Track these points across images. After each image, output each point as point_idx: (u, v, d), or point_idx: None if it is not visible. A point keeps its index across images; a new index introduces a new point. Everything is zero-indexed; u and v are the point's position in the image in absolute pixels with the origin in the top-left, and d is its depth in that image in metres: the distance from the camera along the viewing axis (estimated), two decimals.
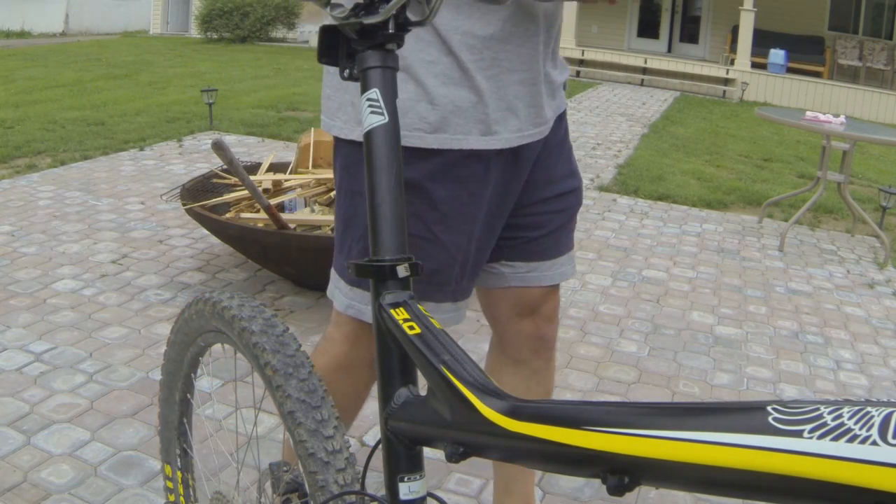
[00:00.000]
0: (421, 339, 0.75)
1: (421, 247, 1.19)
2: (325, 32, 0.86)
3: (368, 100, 0.81)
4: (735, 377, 2.62)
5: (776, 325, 3.10)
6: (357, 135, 1.19)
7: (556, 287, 1.43)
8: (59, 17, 17.05)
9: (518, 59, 1.17)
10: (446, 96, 1.14)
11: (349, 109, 1.20)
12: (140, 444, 2.00)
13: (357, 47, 0.83)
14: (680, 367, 2.67)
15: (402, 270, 0.80)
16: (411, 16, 0.84)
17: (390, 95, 0.82)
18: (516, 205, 1.30)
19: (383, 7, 0.80)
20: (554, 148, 1.33)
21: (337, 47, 0.86)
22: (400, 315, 0.78)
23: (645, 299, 3.24)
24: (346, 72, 0.86)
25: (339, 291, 1.27)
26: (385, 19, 0.80)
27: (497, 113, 1.18)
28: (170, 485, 1.31)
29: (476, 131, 1.17)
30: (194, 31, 14.22)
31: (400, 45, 0.84)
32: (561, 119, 1.35)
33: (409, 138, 1.15)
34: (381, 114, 0.81)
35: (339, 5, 0.82)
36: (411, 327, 0.76)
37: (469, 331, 2.76)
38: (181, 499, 1.30)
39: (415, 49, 1.13)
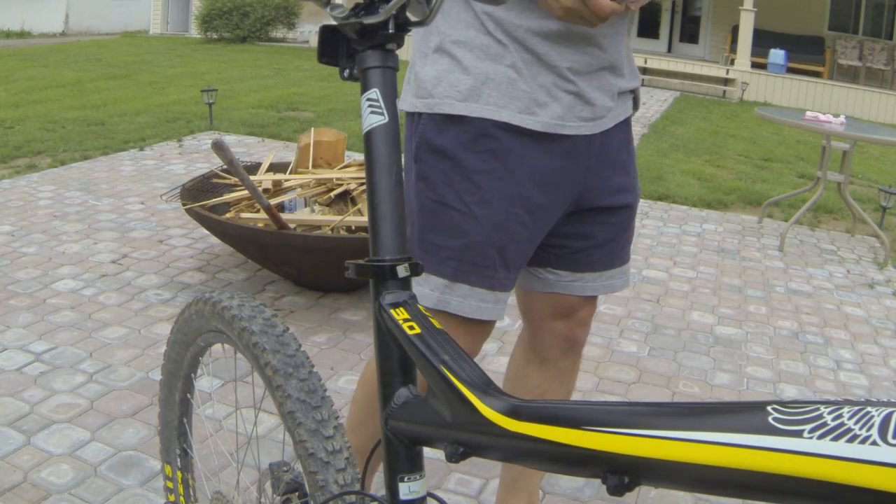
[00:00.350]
0: (421, 339, 0.75)
1: (453, 218, 1.19)
2: (325, 32, 0.86)
3: (368, 100, 0.81)
4: (735, 377, 2.62)
5: (776, 325, 3.10)
6: (412, 105, 1.21)
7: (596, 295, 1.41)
8: (59, 18, 17.05)
9: (558, 55, 1.16)
10: (480, 68, 1.16)
11: (411, 81, 1.21)
12: (140, 444, 2.00)
13: (357, 47, 0.83)
14: (680, 367, 2.67)
15: (402, 270, 0.80)
16: (411, 16, 0.84)
17: (390, 96, 0.82)
18: (566, 210, 1.27)
19: (383, 7, 0.79)
20: (613, 155, 1.28)
21: (337, 47, 0.86)
22: (400, 315, 0.78)
23: (645, 299, 3.24)
24: (346, 72, 0.86)
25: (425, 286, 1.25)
26: (385, 19, 0.80)
27: (538, 95, 1.17)
28: (170, 485, 1.31)
29: (514, 107, 1.17)
30: (194, 31, 14.21)
31: (400, 45, 0.84)
32: (620, 128, 1.29)
33: (440, 105, 1.17)
34: (382, 114, 0.81)
35: (339, 5, 0.82)
36: (411, 327, 0.76)
37: None
38: (181, 499, 1.30)
39: (454, 27, 1.15)
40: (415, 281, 1.24)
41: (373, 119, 0.81)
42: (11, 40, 14.42)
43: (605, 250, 1.33)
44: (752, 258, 3.90)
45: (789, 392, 2.57)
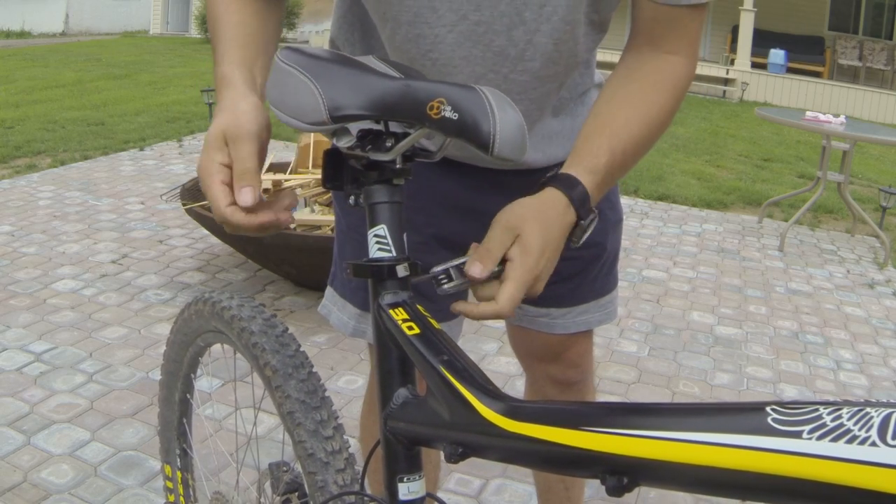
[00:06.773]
0: (420, 340, 0.75)
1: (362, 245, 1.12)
2: (330, 156, 0.84)
3: (376, 236, 0.80)
4: (735, 377, 2.62)
5: (776, 325, 3.10)
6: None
7: (580, 332, 1.27)
8: (59, 17, 17.04)
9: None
10: None
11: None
12: (140, 444, 2.00)
13: (363, 178, 0.82)
14: (680, 367, 2.67)
15: (402, 270, 0.80)
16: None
17: (398, 231, 0.81)
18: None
19: (390, 142, 0.78)
20: None
21: (342, 171, 0.84)
22: (399, 315, 0.78)
23: (645, 299, 3.24)
24: (353, 198, 0.84)
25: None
26: (393, 158, 0.79)
27: None
28: (170, 485, 1.31)
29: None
30: (194, 31, 14.21)
31: (408, 179, 0.82)
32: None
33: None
34: (389, 251, 0.80)
35: (347, 134, 0.80)
36: (410, 327, 0.76)
37: (469, 331, 2.75)
38: (181, 499, 1.30)
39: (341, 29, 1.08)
40: (335, 307, 1.19)
41: (380, 255, 0.80)
42: (11, 40, 14.42)
43: (572, 284, 1.19)
44: (752, 258, 3.90)
45: (789, 392, 2.57)
